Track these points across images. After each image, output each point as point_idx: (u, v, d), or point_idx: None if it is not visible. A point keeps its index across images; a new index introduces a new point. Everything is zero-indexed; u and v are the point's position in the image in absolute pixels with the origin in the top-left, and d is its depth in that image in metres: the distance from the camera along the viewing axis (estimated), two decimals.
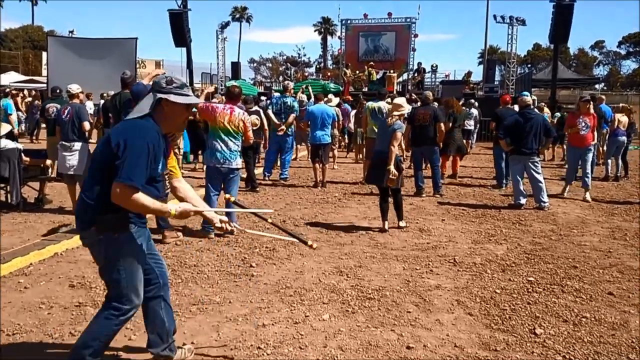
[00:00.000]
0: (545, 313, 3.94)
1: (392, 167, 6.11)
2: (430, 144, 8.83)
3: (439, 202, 8.29)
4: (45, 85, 20.64)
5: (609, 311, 4.00)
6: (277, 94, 10.19)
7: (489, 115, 13.45)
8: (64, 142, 6.78)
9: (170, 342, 3.04)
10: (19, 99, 17.98)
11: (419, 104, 10.10)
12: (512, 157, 8.08)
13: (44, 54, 27.21)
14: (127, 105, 6.19)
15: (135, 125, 2.61)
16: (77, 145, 6.78)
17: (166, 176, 2.98)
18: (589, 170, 8.83)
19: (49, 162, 7.79)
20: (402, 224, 6.54)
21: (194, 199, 2.97)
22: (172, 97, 2.66)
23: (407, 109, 6.58)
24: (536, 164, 7.95)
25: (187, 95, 2.72)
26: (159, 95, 2.66)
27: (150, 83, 4.76)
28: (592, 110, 8.99)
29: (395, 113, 6.33)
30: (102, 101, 12.37)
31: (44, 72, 25.82)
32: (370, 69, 24.11)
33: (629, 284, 4.61)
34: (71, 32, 35.47)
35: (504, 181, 9.76)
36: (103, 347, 2.75)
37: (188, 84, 2.79)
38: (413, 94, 18.14)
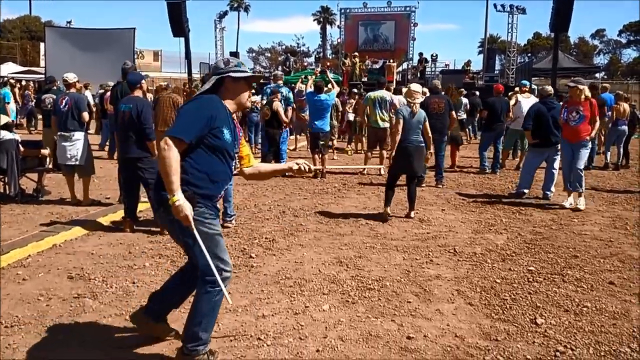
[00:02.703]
0: (546, 303, 3.92)
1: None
2: (442, 133, 8.81)
3: (439, 192, 8.27)
4: (43, 76, 20.56)
5: (610, 300, 3.98)
6: (272, 84, 10.04)
7: None
8: (62, 133, 6.74)
9: (159, 318, 3.17)
10: (16, 90, 17.89)
11: (427, 92, 10.09)
12: (536, 149, 7.82)
13: (42, 45, 27.10)
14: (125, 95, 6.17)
15: (195, 98, 2.85)
16: (77, 135, 6.76)
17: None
18: (579, 171, 7.15)
19: (46, 152, 7.75)
20: (412, 214, 6.55)
21: (267, 169, 3.35)
22: (232, 74, 2.83)
23: (422, 95, 6.65)
24: (558, 152, 7.83)
25: (245, 72, 2.90)
26: (221, 75, 2.83)
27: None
28: (584, 96, 7.16)
29: (417, 100, 6.41)
30: (102, 91, 12.30)
31: (42, 63, 25.72)
32: (354, 59, 23.75)
33: (630, 273, 4.59)
34: (69, 22, 35.33)
35: (486, 164, 10.34)
36: (212, 321, 2.89)
37: (244, 63, 3.01)
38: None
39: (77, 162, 6.78)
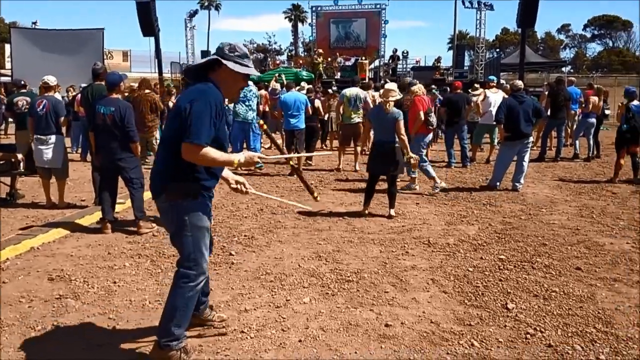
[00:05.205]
0: (516, 289, 4.10)
1: (412, 154, 6.45)
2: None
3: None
4: (10, 78, 20.13)
5: (577, 285, 4.18)
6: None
7: None
8: (40, 136, 6.69)
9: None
10: None
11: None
12: (508, 142, 8.00)
13: (7, 47, 26.50)
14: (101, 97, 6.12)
15: (198, 89, 2.75)
16: (54, 138, 6.73)
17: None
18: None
19: (20, 156, 7.65)
20: (392, 212, 6.46)
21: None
22: (231, 65, 2.76)
23: (398, 94, 6.62)
24: (529, 145, 8.11)
25: (247, 67, 2.81)
26: (222, 61, 2.75)
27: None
28: (411, 95, 7.96)
29: (391, 99, 6.35)
30: (74, 94, 12.11)
31: (8, 65, 25.13)
32: (318, 57, 23.77)
33: (596, 259, 4.81)
34: (34, 23, 34.54)
35: (453, 160, 10.57)
36: (185, 317, 2.90)
37: (249, 56, 2.89)
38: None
39: (55, 165, 6.76)
